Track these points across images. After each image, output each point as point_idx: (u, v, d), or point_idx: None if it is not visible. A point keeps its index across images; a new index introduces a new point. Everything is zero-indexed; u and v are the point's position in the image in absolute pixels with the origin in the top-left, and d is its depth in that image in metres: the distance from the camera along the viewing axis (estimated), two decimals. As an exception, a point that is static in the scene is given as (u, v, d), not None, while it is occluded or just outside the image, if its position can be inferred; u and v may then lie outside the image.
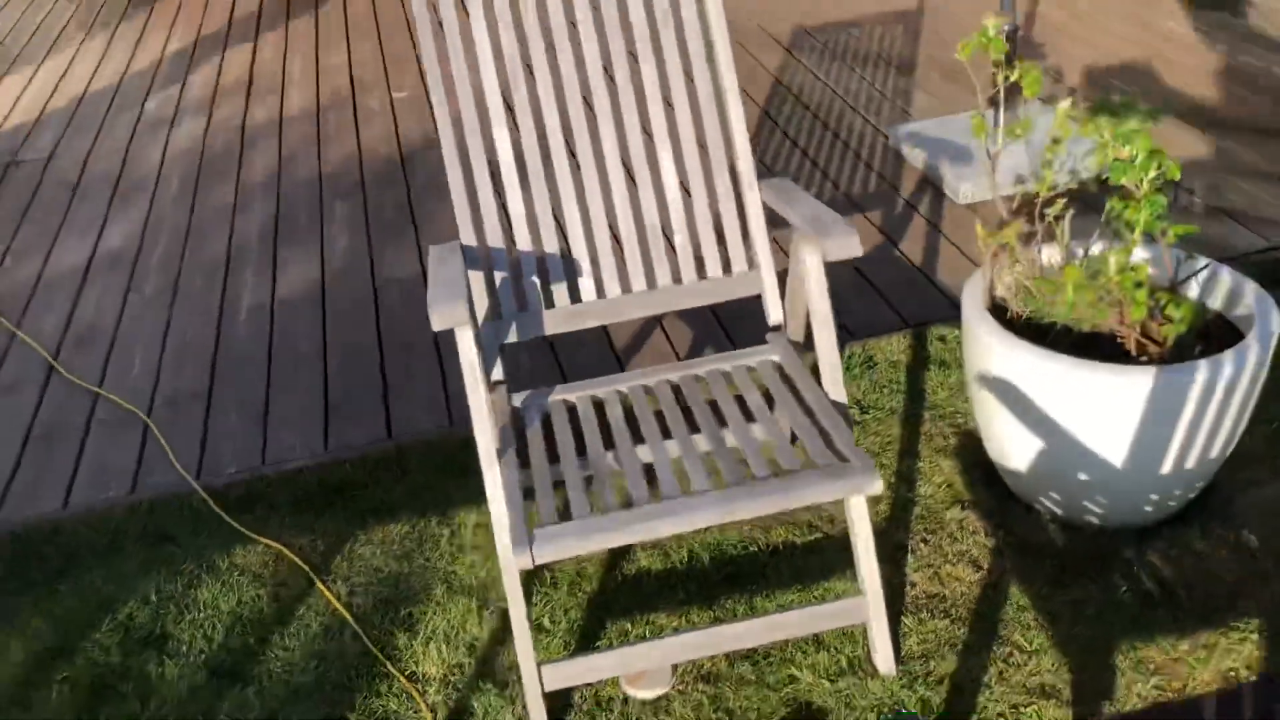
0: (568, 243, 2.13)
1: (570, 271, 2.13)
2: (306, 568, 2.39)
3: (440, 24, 2.06)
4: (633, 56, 2.12)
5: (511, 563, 1.83)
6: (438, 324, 1.74)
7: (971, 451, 2.49)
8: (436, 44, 2.05)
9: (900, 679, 2.01)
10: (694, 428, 1.99)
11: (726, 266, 2.16)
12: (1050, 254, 2.31)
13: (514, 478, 1.87)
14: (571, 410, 2.08)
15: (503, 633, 2.19)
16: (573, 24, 2.09)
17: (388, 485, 2.61)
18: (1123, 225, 2.08)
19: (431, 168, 4.07)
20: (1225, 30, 4.37)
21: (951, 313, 2.84)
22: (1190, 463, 2.13)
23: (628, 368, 2.82)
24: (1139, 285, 2.08)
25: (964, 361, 2.36)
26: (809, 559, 2.28)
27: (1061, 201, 2.24)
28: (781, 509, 1.77)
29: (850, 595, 2.06)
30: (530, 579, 2.28)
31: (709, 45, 2.13)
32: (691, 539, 2.33)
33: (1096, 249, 2.29)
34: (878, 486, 1.75)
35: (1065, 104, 2.19)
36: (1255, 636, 2.02)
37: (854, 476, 1.75)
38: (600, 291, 2.13)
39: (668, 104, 2.13)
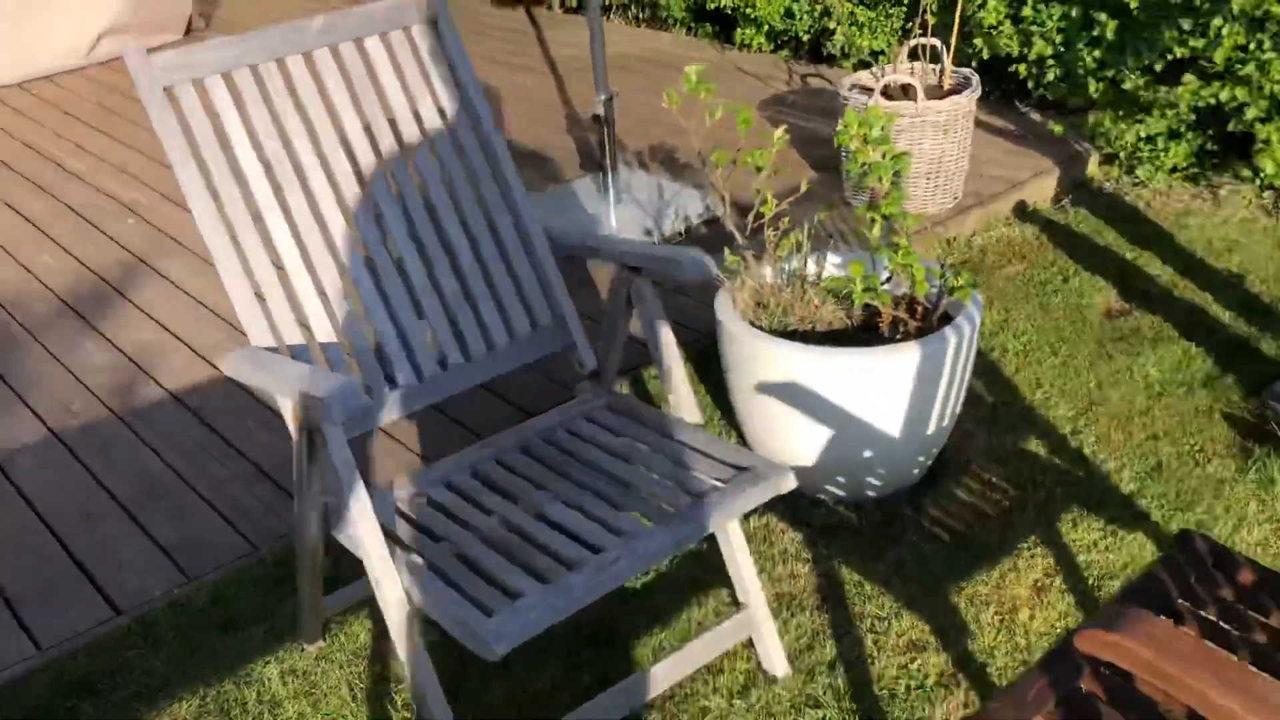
0: (375, 330, 1.97)
1: (381, 360, 1.97)
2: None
3: (186, 121, 1.83)
4: (392, 122, 2.03)
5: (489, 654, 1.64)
6: (342, 414, 1.54)
7: (742, 465, 2.64)
8: (186, 139, 1.82)
9: (799, 676, 2.08)
10: (580, 484, 1.92)
11: (534, 323, 2.13)
12: (790, 266, 2.55)
13: (435, 583, 1.69)
14: (425, 502, 1.92)
15: (385, 769, 1.95)
16: (323, 99, 1.96)
17: (144, 664, 2.20)
18: (867, 223, 2.36)
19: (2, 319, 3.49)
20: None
21: (645, 355, 3.00)
22: (945, 420, 2.46)
23: (448, 451, 2.63)
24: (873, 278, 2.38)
25: (730, 374, 2.51)
26: (657, 599, 2.28)
27: (786, 220, 2.49)
28: (720, 526, 1.78)
29: (726, 615, 2.11)
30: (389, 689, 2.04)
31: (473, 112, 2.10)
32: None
33: (821, 259, 2.57)
34: (792, 479, 1.83)
35: (779, 131, 2.44)
36: (1040, 549, 2.36)
37: (771, 476, 1.81)
38: (418, 373, 2.00)
39: (442, 168, 2.07)
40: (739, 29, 5.49)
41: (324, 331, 1.91)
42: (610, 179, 3.88)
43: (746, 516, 2.50)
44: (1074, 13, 4.09)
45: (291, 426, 1.77)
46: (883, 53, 4.89)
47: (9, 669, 2.19)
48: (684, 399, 2.01)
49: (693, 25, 5.88)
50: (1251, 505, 2.44)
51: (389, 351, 1.96)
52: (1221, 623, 1.52)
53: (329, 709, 2.08)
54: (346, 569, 2.32)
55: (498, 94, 5.16)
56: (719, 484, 1.84)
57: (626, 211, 3.88)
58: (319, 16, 1.96)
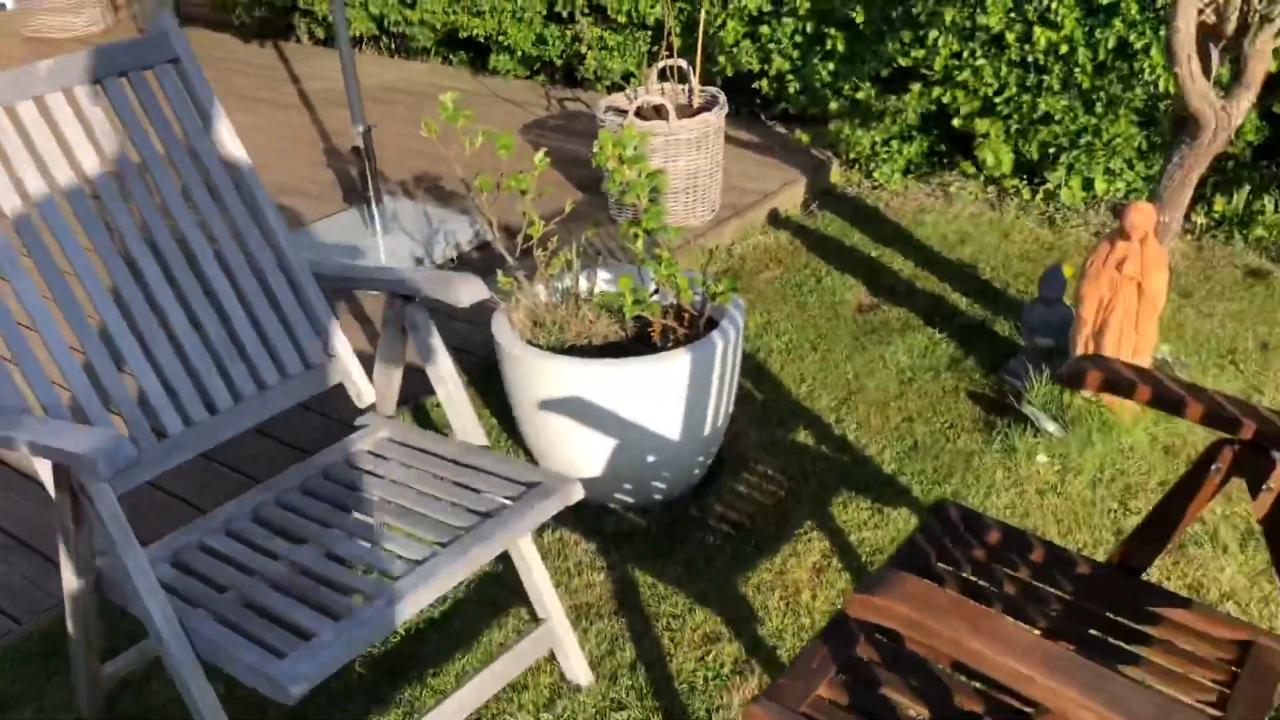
0: (136, 380, 1.89)
1: (145, 410, 1.89)
2: None
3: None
4: (140, 165, 1.97)
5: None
6: (109, 470, 1.47)
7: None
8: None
9: (602, 682, 2.13)
10: (367, 517, 1.91)
11: (305, 361, 2.09)
12: (563, 285, 2.60)
13: (223, 634, 1.64)
14: (205, 552, 1.86)
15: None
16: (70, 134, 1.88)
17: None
18: (631, 238, 2.43)
19: None
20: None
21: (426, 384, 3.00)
22: (720, 420, 2.57)
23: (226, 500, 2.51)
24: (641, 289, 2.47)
25: (512, 393, 2.54)
26: (457, 625, 2.28)
27: (555, 239, 2.55)
28: (512, 542, 1.80)
29: (527, 631, 2.13)
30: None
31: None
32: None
33: (594, 274, 2.64)
34: (580, 490, 1.88)
35: (540, 154, 2.49)
36: (815, 532, 2.50)
37: (559, 489, 1.85)
38: (185, 419, 1.93)
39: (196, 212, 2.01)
40: (493, 56, 5.54)
41: (80, 386, 1.82)
42: (375, 210, 3.84)
43: (540, 532, 2.53)
44: (807, 29, 4.36)
45: (52, 489, 1.68)
46: (633, 75, 5.04)
47: None
48: (467, 422, 2.03)
49: (447, 54, 5.89)
50: (998, 473, 2.67)
51: (153, 400, 1.89)
52: (976, 580, 1.67)
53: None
54: (124, 633, 2.21)
55: (252, 130, 5.00)
56: (508, 502, 1.87)
57: (395, 241, 3.85)
58: (47, 60, 1.88)
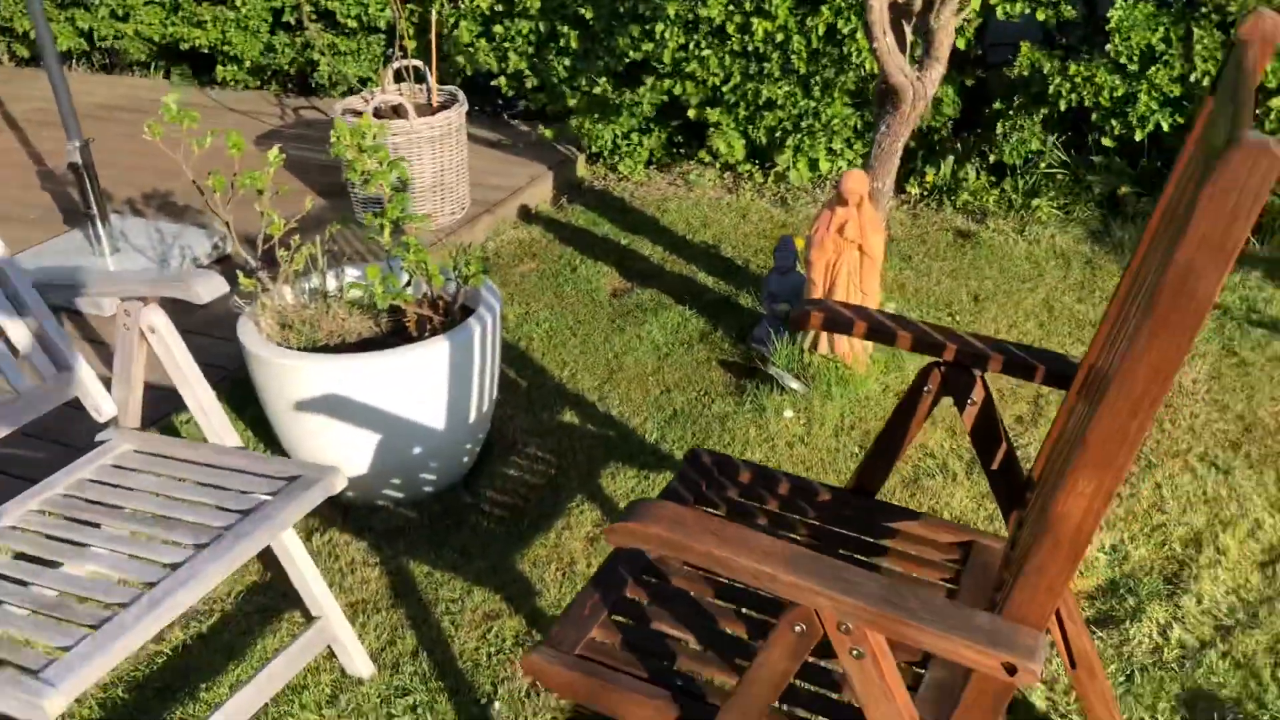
0: None
1: None
2: None
3: None
4: None
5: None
6: None
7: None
8: None
9: (385, 672, 2.12)
10: (117, 529, 1.82)
11: (41, 378, 1.98)
12: (310, 285, 2.56)
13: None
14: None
15: None
16: None
17: None
18: (378, 229, 2.42)
19: None
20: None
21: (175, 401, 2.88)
22: (484, 406, 2.60)
23: None
24: (393, 277, 2.47)
25: (266, 400, 2.48)
26: (228, 636, 2.21)
27: (297, 238, 2.50)
28: (274, 537, 1.77)
29: (302, 632, 2.09)
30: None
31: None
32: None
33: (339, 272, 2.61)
34: (342, 478, 1.87)
35: (274, 151, 2.44)
36: (587, 504, 2.57)
37: (321, 478, 1.83)
38: (-98, 447, 1.79)
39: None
40: (219, 67, 5.34)
41: None
42: (101, 229, 3.64)
43: (308, 537, 2.49)
44: (540, 27, 4.44)
45: None
46: (370, 79, 4.99)
47: None
48: (217, 423, 1.98)
49: (166, 68, 5.63)
50: (751, 430, 2.82)
51: None
52: (730, 514, 1.78)
53: None
54: None
55: (-48, 157, 4.63)
56: (268, 497, 1.83)
57: (126, 260, 3.66)
58: None
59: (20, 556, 1.78)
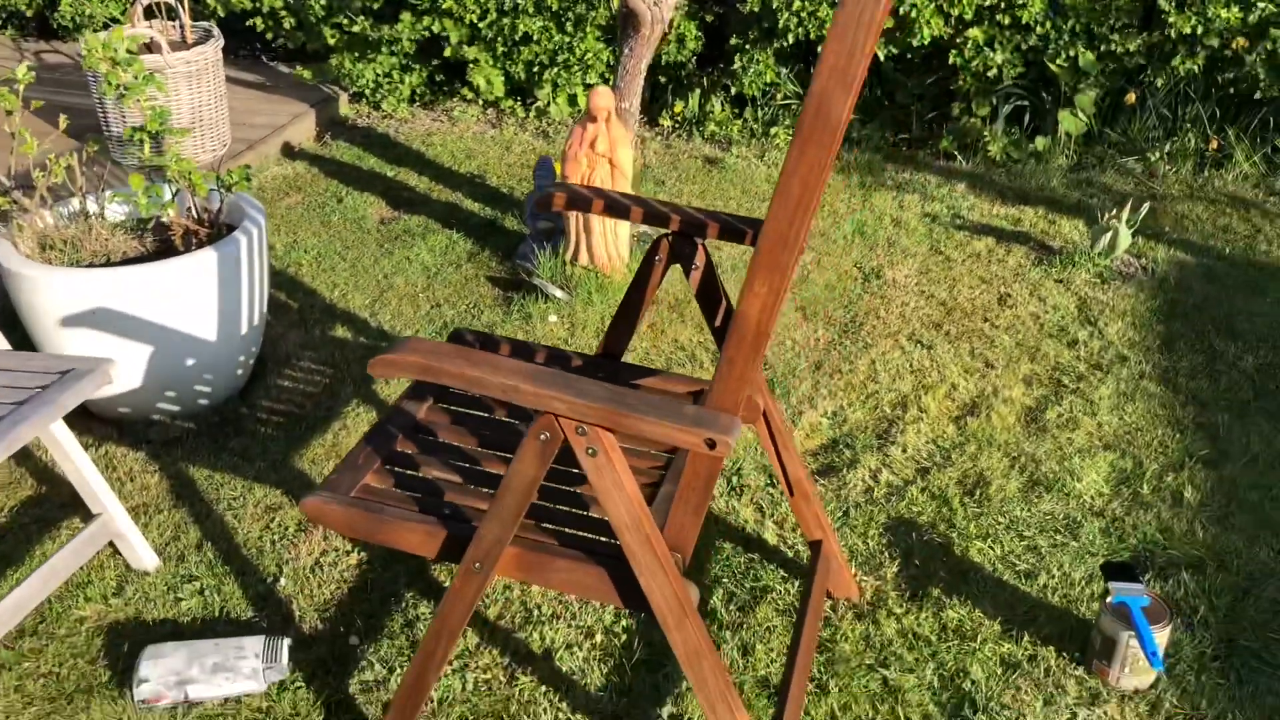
0: None
1: None
2: None
3: None
4: None
5: None
6: None
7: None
8: None
9: (170, 564, 2.21)
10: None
11: None
12: (71, 208, 2.57)
13: None
14: None
15: None
16: None
17: None
18: (137, 143, 2.46)
19: None
20: None
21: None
22: (255, 320, 2.68)
23: None
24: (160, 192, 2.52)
25: (29, 321, 2.49)
26: (4, 547, 2.25)
27: (51, 158, 2.51)
28: (50, 422, 1.84)
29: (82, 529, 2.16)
30: None
31: None
32: None
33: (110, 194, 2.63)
34: (114, 368, 1.95)
35: (22, 68, 2.43)
36: (363, 407, 2.71)
37: (94, 369, 1.91)
38: None
39: None
40: (-51, 9, 5.07)
41: None
42: None
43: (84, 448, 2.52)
44: (294, -34, 4.45)
45: None
46: (118, 20, 4.85)
47: None
48: (-16, 326, 2.01)
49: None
50: (519, 335, 3.02)
51: None
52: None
53: None
54: None
55: None
56: (41, 390, 1.90)
57: None
58: None
59: None
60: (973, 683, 1.97)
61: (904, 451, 2.57)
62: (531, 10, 4.22)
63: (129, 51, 2.36)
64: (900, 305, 3.18)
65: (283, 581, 2.18)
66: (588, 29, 4.26)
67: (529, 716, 1.90)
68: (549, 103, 4.47)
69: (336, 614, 2.10)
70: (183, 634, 2.04)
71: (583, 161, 3.06)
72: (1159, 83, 3.89)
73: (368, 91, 4.57)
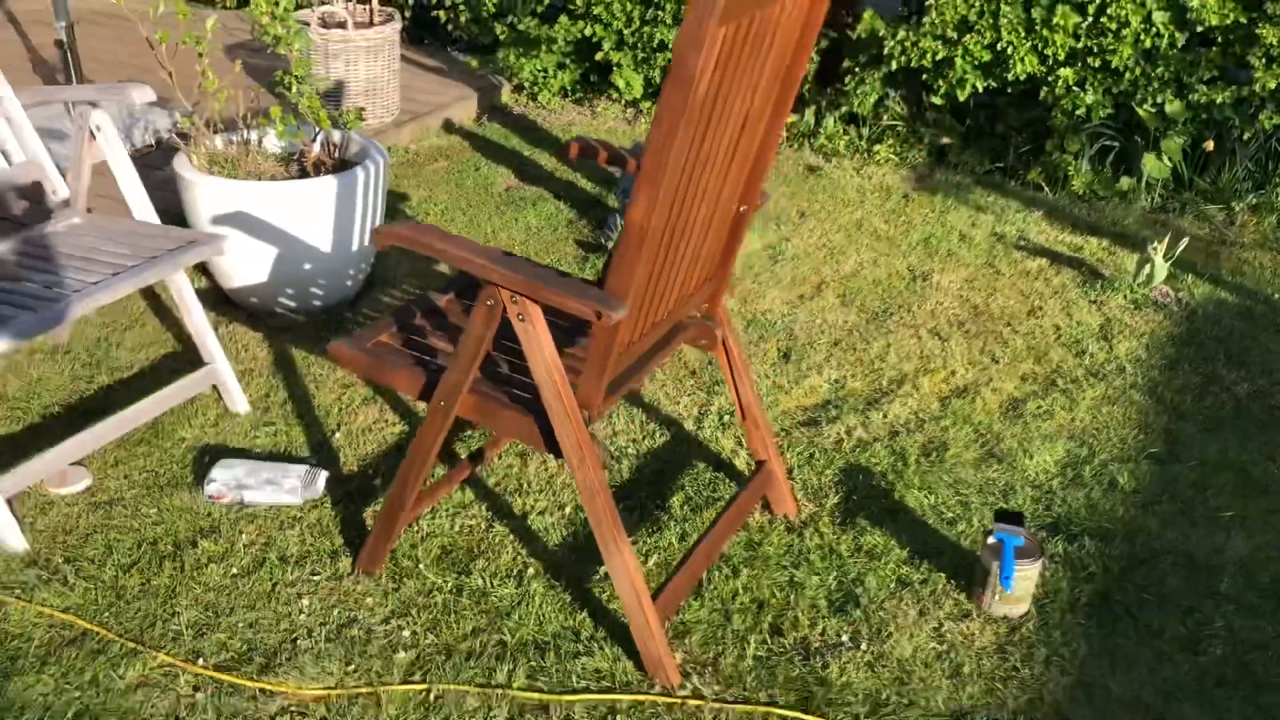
0: None
1: None
2: None
3: None
4: None
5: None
6: None
7: (211, 296, 3.29)
8: None
9: (258, 411, 2.80)
10: (45, 266, 2.49)
11: (9, 160, 2.64)
12: (237, 137, 3.22)
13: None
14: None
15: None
16: None
17: None
18: (285, 86, 3.08)
19: None
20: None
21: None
22: (366, 240, 3.27)
23: None
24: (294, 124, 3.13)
25: (191, 218, 3.14)
26: (146, 382, 2.88)
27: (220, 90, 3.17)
28: (172, 272, 2.44)
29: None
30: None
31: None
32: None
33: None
34: (225, 243, 2.54)
35: (212, 20, 3.09)
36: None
37: (213, 241, 2.51)
38: (-94, 190, 2.45)
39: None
40: (200, -14, 5.98)
41: None
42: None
43: (215, 328, 3.15)
44: (475, -33, 5.10)
45: None
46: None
47: None
48: (138, 204, 2.64)
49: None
50: (585, 288, 3.50)
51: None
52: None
53: None
54: None
55: (-47, 38, 5.26)
56: (169, 250, 2.50)
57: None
58: None
59: (-13, 275, 2.45)
60: (864, 589, 2.31)
61: (884, 417, 2.90)
62: (669, 21, 4.72)
63: (286, 9, 2.99)
64: (934, 304, 3.49)
65: (338, 435, 2.72)
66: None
67: (493, 552, 2.36)
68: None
69: (370, 463, 2.63)
70: (251, 458, 2.61)
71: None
72: (1245, 136, 4.04)
73: (526, 83, 5.17)
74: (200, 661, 2.06)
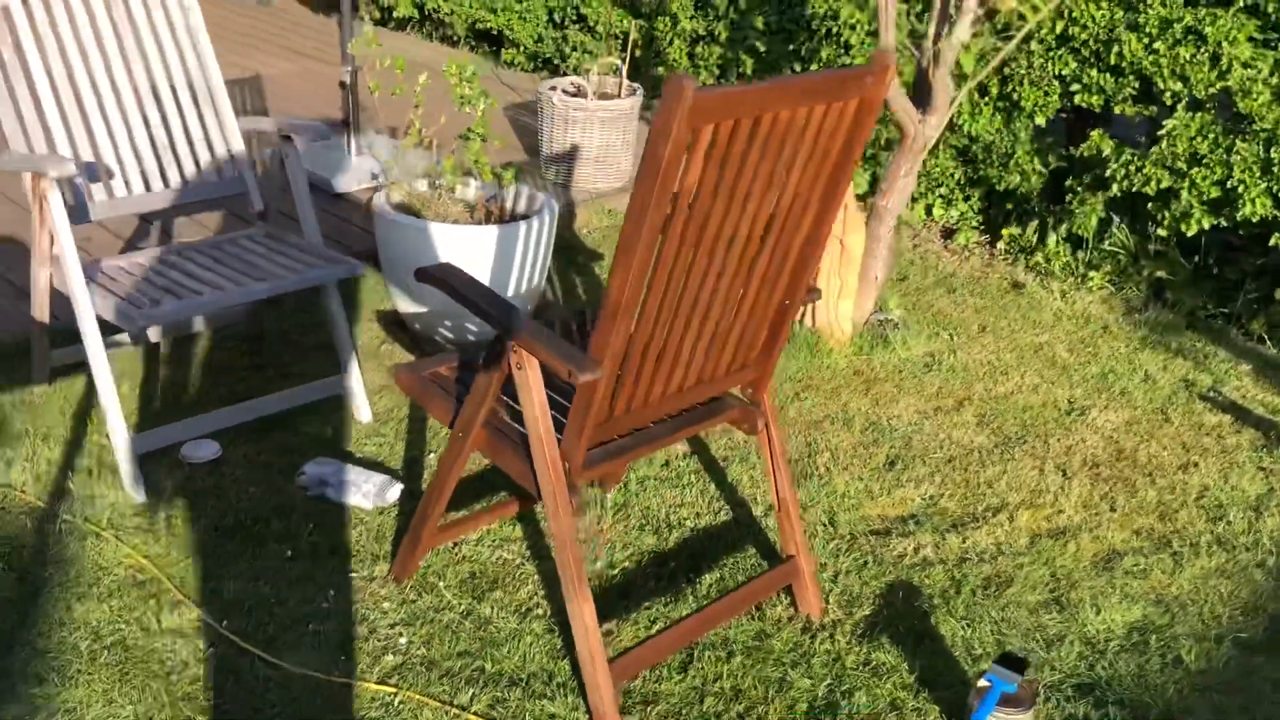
0: (98, 153, 2.93)
1: (104, 175, 2.93)
2: None
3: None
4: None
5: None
6: (55, 172, 2.51)
7: (388, 316, 3.68)
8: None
9: (376, 422, 3.11)
10: (230, 265, 2.92)
11: (219, 171, 3.12)
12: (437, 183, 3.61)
13: (107, 296, 2.66)
14: (139, 267, 2.88)
15: (73, 446, 2.87)
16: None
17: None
18: (465, 142, 3.43)
19: None
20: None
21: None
22: (523, 287, 3.54)
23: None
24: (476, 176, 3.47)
25: (382, 251, 3.54)
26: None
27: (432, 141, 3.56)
28: (300, 286, 2.80)
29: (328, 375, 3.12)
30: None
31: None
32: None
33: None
34: (359, 269, 2.88)
35: (422, 76, 3.50)
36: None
37: (352, 265, 2.86)
38: (129, 189, 2.97)
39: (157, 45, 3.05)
40: (505, 50, 6.62)
41: (63, 147, 2.86)
42: (352, 136, 4.90)
43: (379, 345, 3.53)
44: (727, 54, 5.35)
45: (31, 197, 2.72)
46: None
47: None
48: (310, 229, 3.04)
49: (473, 43, 6.99)
50: (723, 365, 3.59)
51: (108, 166, 2.93)
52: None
53: (49, 423, 2.98)
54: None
55: (287, 74, 6.14)
56: (319, 265, 2.87)
57: (363, 161, 4.90)
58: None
59: (171, 266, 2.90)
60: (850, 702, 2.26)
61: (962, 541, 2.80)
62: (898, 121, 4.75)
63: (470, 75, 3.33)
64: (1076, 440, 3.31)
65: (431, 457, 2.98)
66: (941, 148, 4.69)
67: (513, 586, 2.52)
68: (908, 206, 4.94)
69: (447, 486, 2.86)
70: (351, 461, 2.91)
71: (821, 238, 3.57)
72: None
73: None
74: (224, 623, 2.35)
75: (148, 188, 3.00)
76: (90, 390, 3.13)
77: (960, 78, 3.58)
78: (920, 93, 3.55)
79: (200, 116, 3.10)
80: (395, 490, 2.76)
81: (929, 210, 4.93)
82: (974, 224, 4.83)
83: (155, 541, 2.57)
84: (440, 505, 2.39)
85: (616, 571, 2.61)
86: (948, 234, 4.92)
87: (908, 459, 3.15)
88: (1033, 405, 3.49)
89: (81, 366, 3.18)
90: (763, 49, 5.13)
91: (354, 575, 2.52)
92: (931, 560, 2.72)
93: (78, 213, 2.86)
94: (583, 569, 2.11)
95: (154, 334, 3.35)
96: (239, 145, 3.14)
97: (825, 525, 2.83)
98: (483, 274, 3.41)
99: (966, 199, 4.85)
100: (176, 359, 3.36)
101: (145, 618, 2.34)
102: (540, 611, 2.45)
